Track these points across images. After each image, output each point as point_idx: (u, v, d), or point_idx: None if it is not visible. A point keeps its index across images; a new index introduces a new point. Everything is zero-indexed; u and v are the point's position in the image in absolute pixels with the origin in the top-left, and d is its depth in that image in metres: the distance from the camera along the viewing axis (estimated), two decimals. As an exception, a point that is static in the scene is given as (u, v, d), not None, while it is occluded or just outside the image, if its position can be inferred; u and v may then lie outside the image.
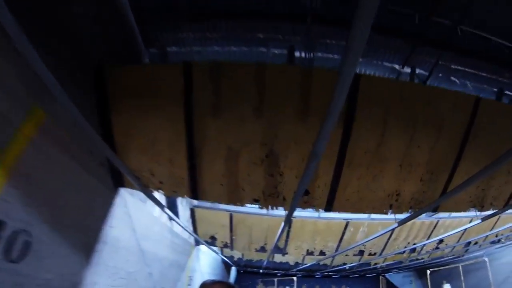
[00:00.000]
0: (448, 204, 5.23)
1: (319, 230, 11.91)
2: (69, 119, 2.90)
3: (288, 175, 4.54)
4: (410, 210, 5.16)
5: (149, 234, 7.45)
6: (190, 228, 10.23)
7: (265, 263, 17.18)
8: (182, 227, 8.39)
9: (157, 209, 7.80)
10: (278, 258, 18.22)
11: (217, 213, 11.47)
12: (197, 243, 12.39)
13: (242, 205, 5.24)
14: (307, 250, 12.45)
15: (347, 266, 19.71)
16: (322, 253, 12.69)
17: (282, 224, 7.66)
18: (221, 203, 5.67)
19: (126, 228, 5.66)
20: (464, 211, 5.37)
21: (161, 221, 8.51)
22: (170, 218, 9.12)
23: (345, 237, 12.31)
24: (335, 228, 12.04)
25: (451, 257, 18.71)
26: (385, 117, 4.05)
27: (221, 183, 4.69)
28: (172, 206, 9.16)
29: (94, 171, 4.10)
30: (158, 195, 5.30)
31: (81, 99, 3.32)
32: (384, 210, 5.16)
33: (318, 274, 24.93)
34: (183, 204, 10.68)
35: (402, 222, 6.13)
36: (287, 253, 12.47)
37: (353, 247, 11.56)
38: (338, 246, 12.57)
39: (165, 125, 4.05)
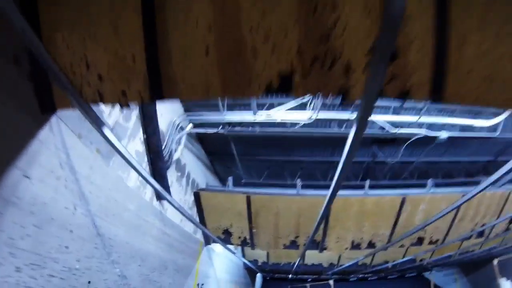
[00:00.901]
0: None
1: (368, 212, 8.36)
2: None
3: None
4: None
5: (117, 214, 4.19)
6: (195, 218, 6.88)
7: (295, 265, 13.53)
8: (182, 212, 5.10)
9: (133, 176, 4.53)
10: (310, 258, 14.52)
11: (231, 197, 8.08)
12: (207, 240, 8.97)
13: (249, 95, 2.54)
14: (352, 242, 8.88)
15: (389, 265, 15.84)
16: (371, 245, 9.08)
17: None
18: (204, 97, 2.39)
19: (62, 189, 3.25)
20: None
21: (142, 198, 5.23)
22: (159, 196, 5.81)
23: (400, 219, 8.70)
24: (388, 208, 8.47)
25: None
26: None
27: (205, 51, 2.33)
28: (161, 179, 5.87)
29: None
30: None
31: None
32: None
33: (352, 277, 20.95)
34: (182, 184, 7.33)
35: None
36: (325, 248, 8.93)
37: (411, 234, 7.91)
38: (392, 233, 8.94)
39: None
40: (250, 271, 16.53)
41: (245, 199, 7.95)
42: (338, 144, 8.95)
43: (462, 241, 11.24)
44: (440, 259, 16.63)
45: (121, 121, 4.76)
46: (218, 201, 8.13)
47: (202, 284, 8.68)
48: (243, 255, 14.20)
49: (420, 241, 9.77)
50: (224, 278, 11.06)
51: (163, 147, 6.12)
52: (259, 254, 14.67)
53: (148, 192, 5.68)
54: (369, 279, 21.99)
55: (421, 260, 16.59)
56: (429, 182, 8.91)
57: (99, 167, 4.07)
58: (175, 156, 6.57)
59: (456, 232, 9.90)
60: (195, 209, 8.20)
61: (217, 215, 8.31)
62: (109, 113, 4.39)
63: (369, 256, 12.91)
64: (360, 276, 20.74)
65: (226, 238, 8.63)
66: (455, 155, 10.33)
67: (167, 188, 6.08)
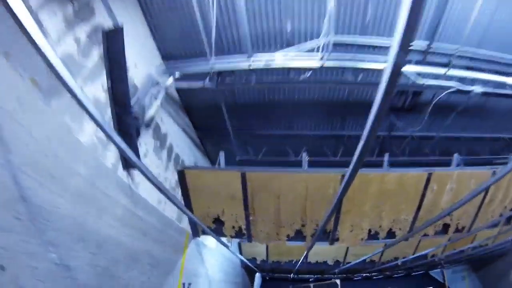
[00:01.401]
0: None
1: (388, 192, 6.67)
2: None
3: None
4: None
5: (58, 176, 3.10)
6: (178, 200, 5.16)
7: (299, 263, 11.77)
8: (160, 188, 3.67)
9: (87, 129, 3.58)
10: (314, 255, 12.80)
11: (222, 176, 6.40)
12: (195, 231, 7.23)
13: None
14: (369, 230, 7.16)
15: (399, 262, 14.15)
16: (390, 234, 7.37)
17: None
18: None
19: None
20: None
21: (101, 162, 3.55)
22: (127, 163, 4.17)
23: (425, 201, 7.03)
24: (412, 187, 6.79)
25: None
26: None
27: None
28: (129, 139, 4.19)
29: None
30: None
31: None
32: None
33: (357, 276, 19.16)
34: (162, 158, 5.67)
35: None
36: (337, 240, 7.20)
37: (438, 220, 6.21)
38: (415, 218, 7.26)
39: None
40: (248, 270, 14.70)
41: (239, 178, 6.25)
42: (350, 113, 7.29)
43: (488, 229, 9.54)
44: (452, 254, 14.98)
45: (76, 55, 3.26)
46: (207, 181, 6.42)
47: (190, 284, 6.94)
48: (240, 252, 12.43)
49: (445, 228, 8.06)
50: (217, 277, 9.30)
51: (133, 101, 4.49)
52: (258, 252, 12.90)
53: (111, 156, 4.00)
54: (374, 278, 20.21)
55: (432, 256, 14.93)
56: (455, 157, 7.26)
57: (33, 103, 2.69)
58: (149, 113, 4.88)
59: (484, 217, 8.23)
60: (179, 192, 6.49)
61: (206, 199, 6.60)
62: (58, 38, 2.96)
63: (381, 251, 11.23)
64: (364, 275, 18.99)
65: (217, 228, 6.91)
66: (478, 130, 8.71)
67: (137, 153, 4.39)
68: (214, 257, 9.15)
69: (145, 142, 5.13)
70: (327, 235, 7.07)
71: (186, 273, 6.69)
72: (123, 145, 2.75)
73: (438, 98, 6.39)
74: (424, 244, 13.60)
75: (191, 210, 6.66)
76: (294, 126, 7.62)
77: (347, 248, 12.68)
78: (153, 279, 5.27)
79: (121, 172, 4.31)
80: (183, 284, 6.58)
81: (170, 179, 6.12)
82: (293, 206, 6.47)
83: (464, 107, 7.18)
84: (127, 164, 4.40)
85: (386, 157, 6.95)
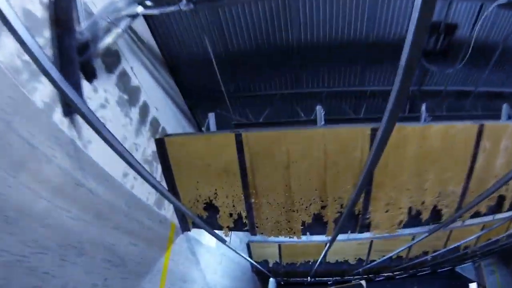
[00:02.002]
0: None
1: (431, 154, 4.77)
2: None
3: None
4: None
5: None
6: (153, 177, 3.32)
7: (318, 262, 9.74)
8: (121, 154, 2.38)
9: (7, 45, 2.22)
10: (333, 253, 10.79)
11: (212, 141, 4.61)
12: (184, 223, 5.40)
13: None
14: (409, 210, 5.21)
15: (429, 257, 12.07)
16: (435, 212, 5.42)
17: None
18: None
19: None
20: None
21: (25, 97, 1.73)
22: (69, 108, 2.35)
23: (477, 165, 5.12)
24: (460, 146, 4.88)
25: None
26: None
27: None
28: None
29: None
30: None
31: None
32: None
33: (379, 277, 16.94)
34: (131, 117, 3.96)
35: None
36: (368, 226, 5.20)
37: (495, 190, 4.26)
38: (465, 190, 5.33)
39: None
40: (260, 276, 12.69)
41: (234, 142, 4.45)
42: (370, 59, 5.51)
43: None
44: (486, 245, 12.86)
45: None
46: (194, 151, 4.62)
47: (180, 293, 5.09)
48: (250, 255, 10.49)
49: (500, 202, 6.06)
50: (220, 284, 7.38)
51: (84, 25, 3.01)
52: (270, 253, 10.92)
53: (43, 92, 2.57)
54: (397, 277, 17.94)
55: (465, 249, 12.82)
56: (505, 108, 5.39)
57: None
58: (106, 41, 3.22)
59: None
60: (158, 168, 4.71)
61: (194, 176, 4.79)
62: None
63: (411, 244, 9.24)
64: (386, 274, 16.79)
65: (211, 217, 5.07)
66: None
67: (79, 92, 2.69)
68: (216, 259, 7.26)
69: (105, 88, 3.50)
70: (355, 220, 5.16)
71: (171, 277, 4.84)
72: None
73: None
74: (456, 235, 11.57)
75: (175, 192, 4.86)
76: (303, 81, 5.82)
77: (371, 243, 10.64)
78: (113, 283, 3.45)
79: (59, 119, 2.72)
80: (169, 293, 4.73)
81: (143, 148, 4.35)
82: (308, 179, 4.62)
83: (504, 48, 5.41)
84: (70, 110, 2.75)
85: (423, 108, 5.12)
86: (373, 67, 5.71)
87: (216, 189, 4.79)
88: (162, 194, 3.41)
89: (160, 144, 4.64)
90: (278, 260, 11.03)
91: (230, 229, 5.15)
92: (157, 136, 4.64)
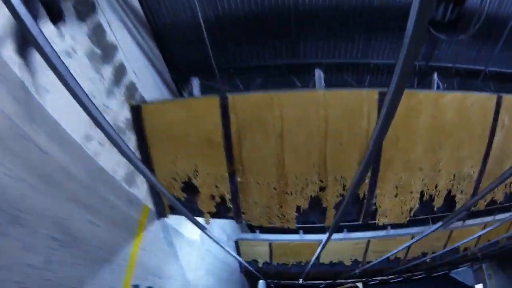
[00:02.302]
0: None
1: (446, 126, 4.03)
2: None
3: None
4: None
5: None
6: (119, 137, 2.52)
7: (310, 263, 8.88)
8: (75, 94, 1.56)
9: None
10: (328, 254, 9.92)
11: (195, 106, 3.79)
12: (160, 208, 4.52)
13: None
14: (422, 194, 4.40)
15: (427, 258, 11.31)
16: (449, 199, 4.65)
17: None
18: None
19: None
20: None
21: None
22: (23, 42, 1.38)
23: (495, 143, 4.40)
24: (477, 119, 4.18)
25: None
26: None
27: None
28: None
29: None
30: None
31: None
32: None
33: (373, 281, 16.10)
34: (103, 75, 3.18)
35: None
36: (373, 214, 4.37)
37: None
38: (482, 172, 4.58)
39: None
40: (249, 277, 11.75)
41: (218, 108, 3.65)
42: (375, 28, 4.78)
43: None
44: (486, 246, 12.17)
45: None
46: (173, 118, 3.81)
47: (150, 289, 4.21)
48: (239, 253, 9.60)
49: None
50: (203, 282, 6.48)
51: None
52: (260, 252, 10.03)
53: None
54: (391, 281, 17.15)
55: (465, 250, 12.10)
56: None
57: None
58: None
59: None
60: (132, 139, 3.86)
61: (172, 148, 3.95)
62: None
63: (410, 244, 8.46)
64: (380, 278, 15.98)
65: (190, 200, 4.23)
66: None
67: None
68: (199, 254, 6.38)
69: (73, 36, 2.89)
70: (359, 206, 4.35)
71: (141, 269, 3.97)
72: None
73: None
74: (456, 236, 10.85)
75: (150, 169, 4.00)
76: (300, 51, 5.06)
77: (368, 243, 9.83)
78: (57, 268, 2.58)
79: (9, 55, 2.16)
80: (135, 286, 3.86)
81: (115, 112, 3.56)
82: (306, 152, 3.82)
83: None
84: (26, 46, 2.24)
85: (435, 76, 4.39)
86: (377, 36, 4.99)
87: (196, 165, 3.96)
88: (135, 167, 2.64)
89: (136, 111, 3.83)
90: (268, 260, 10.14)
91: (212, 216, 4.31)
92: (133, 103, 3.83)
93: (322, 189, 4.05)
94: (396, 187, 4.16)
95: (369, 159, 2.30)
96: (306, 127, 3.67)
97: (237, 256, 7.81)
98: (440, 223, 5.00)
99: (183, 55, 5.06)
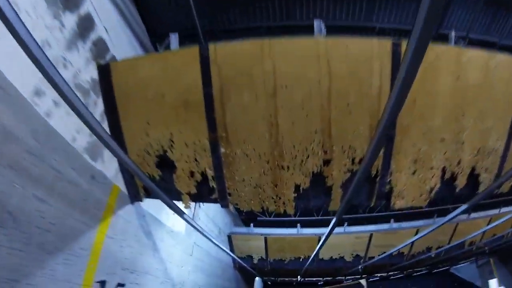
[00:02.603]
0: None
1: (468, 91, 3.29)
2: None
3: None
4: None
5: None
6: (88, 110, 1.79)
7: (309, 259, 8.11)
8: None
9: None
10: (329, 249, 9.15)
11: (170, 61, 3.01)
12: (132, 187, 3.74)
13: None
14: (443, 171, 3.66)
15: (432, 254, 10.61)
16: (473, 179, 3.91)
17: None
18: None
19: None
20: None
21: None
22: None
23: None
24: (502, 84, 3.43)
25: None
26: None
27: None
28: None
29: None
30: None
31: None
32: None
33: (373, 277, 15.34)
34: (65, 25, 2.30)
35: None
36: (390, 190, 3.55)
37: None
38: (508, 146, 3.85)
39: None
40: (243, 273, 10.96)
41: (198, 61, 2.90)
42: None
43: None
44: (493, 240, 11.53)
45: None
46: (146, 77, 3.05)
47: (121, 286, 3.44)
48: (232, 248, 8.83)
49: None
50: (191, 279, 5.70)
51: None
52: (255, 247, 9.27)
53: None
54: (391, 277, 16.41)
55: (470, 244, 11.42)
56: None
57: None
58: None
59: None
60: (99, 104, 3.10)
61: (143, 114, 3.19)
62: None
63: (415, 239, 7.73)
64: (380, 275, 15.25)
65: (166, 179, 3.47)
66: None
67: None
68: (185, 248, 5.60)
69: None
70: (371, 184, 3.59)
71: (107, 261, 3.20)
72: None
73: None
74: (462, 229, 10.17)
75: (120, 143, 3.24)
76: (296, 11, 4.32)
77: (370, 237, 9.10)
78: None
79: None
80: (101, 283, 3.09)
81: (77, 68, 2.84)
82: (305, 114, 3.07)
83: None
84: None
85: (452, 34, 3.67)
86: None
87: (171, 134, 3.20)
88: (99, 138, 1.96)
89: (104, 72, 3.07)
90: (264, 256, 9.38)
91: (193, 198, 3.55)
92: (101, 62, 3.08)
93: (326, 162, 3.29)
94: (415, 162, 3.41)
95: (383, 130, 1.79)
96: (304, 85, 2.93)
97: (228, 251, 7.03)
98: (459, 210, 4.24)
99: (163, 15, 4.31)
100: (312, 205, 3.45)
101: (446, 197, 3.78)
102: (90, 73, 3.06)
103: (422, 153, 3.38)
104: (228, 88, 2.96)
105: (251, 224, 8.97)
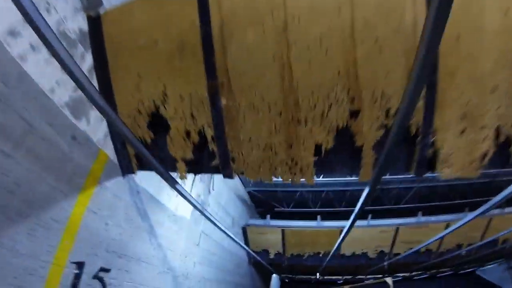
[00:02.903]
0: None
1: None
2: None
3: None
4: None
5: None
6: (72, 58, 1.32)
7: (331, 253, 7.36)
8: None
9: None
10: (351, 243, 8.36)
11: (167, 2, 2.41)
12: (123, 154, 3.17)
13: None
14: (497, 131, 2.85)
15: (463, 251, 9.61)
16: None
17: None
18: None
19: None
20: None
21: None
22: None
23: None
24: None
25: None
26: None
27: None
28: None
29: None
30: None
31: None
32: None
33: (395, 277, 14.27)
34: None
35: None
36: (434, 154, 2.64)
37: None
38: None
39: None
40: (259, 270, 10.26)
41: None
42: None
43: None
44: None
45: None
46: (139, 23, 2.51)
47: (106, 271, 2.86)
48: (246, 242, 8.18)
49: None
50: (197, 272, 5.10)
51: None
52: (272, 241, 8.58)
53: None
54: (415, 278, 15.27)
55: (503, 242, 10.31)
56: None
57: None
58: None
59: None
60: (86, 59, 2.56)
61: (135, 64, 2.63)
62: None
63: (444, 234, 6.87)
64: (402, 275, 14.18)
65: (158, 142, 2.88)
66: None
67: None
68: (190, 236, 5.00)
69: None
70: (409, 147, 2.84)
71: (88, 240, 2.64)
72: None
73: None
74: (495, 225, 9.15)
75: (111, 102, 2.68)
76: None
77: (396, 231, 8.24)
78: None
79: None
80: (78, 264, 2.53)
81: (62, 15, 2.36)
82: (324, 52, 2.41)
83: None
84: None
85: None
86: None
87: (165, 86, 2.62)
88: (84, 91, 1.57)
89: (95, 25, 2.55)
90: (281, 251, 8.67)
91: (190, 167, 2.93)
92: (92, 14, 2.56)
93: (353, 114, 2.60)
94: (463, 117, 2.68)
95: (421, 70, 1.31)
96: (321, 15, 2.28)
97: (241, 243, 6.38)
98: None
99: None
100: (337, 171, 2.76)
101: (501, 166, 2.98)
102: (78, 23, 2.54)
103: (472, 105, 2.65)
104: (230, 25, 2.36)
105: (267, 216, 8.30)
